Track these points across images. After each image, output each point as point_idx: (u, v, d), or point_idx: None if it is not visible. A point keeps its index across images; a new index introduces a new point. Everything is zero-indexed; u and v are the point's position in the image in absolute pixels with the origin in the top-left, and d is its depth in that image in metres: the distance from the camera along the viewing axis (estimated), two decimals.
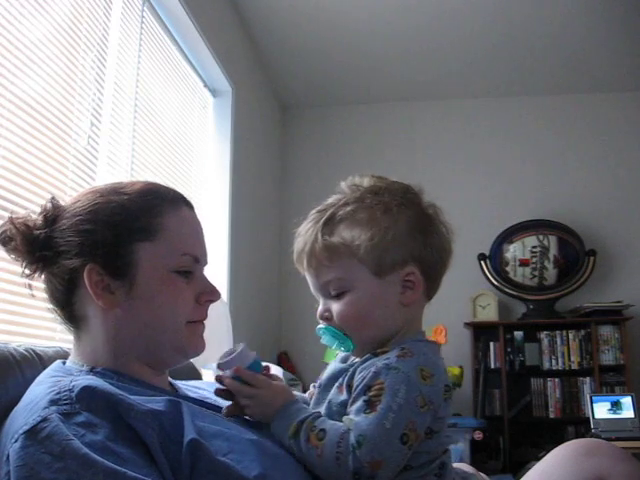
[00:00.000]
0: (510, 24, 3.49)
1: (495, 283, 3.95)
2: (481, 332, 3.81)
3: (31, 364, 0.89)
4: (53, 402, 0.69)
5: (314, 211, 0.90)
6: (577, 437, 3.14)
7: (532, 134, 4.27)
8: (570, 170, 4.18)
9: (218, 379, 0.86)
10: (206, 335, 0.90)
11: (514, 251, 3.93)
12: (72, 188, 1.86)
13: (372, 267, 0.84)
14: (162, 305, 0.83)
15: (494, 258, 3.96)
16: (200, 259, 0.88)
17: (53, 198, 0.87)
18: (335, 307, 0.86)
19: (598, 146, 4.19)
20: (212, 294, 0.89)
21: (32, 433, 0.66)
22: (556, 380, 3.77)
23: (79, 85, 1.93)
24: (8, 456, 0.66)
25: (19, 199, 1.60)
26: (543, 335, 3.83)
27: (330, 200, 0.90)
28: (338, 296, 0.85)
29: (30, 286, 0.87)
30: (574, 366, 3.76)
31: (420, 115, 4.39)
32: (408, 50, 3.76)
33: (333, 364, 0.90)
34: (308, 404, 0.89)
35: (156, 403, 0.73)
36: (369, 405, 0.76)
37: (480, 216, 4.03)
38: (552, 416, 3.72)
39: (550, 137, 4.25)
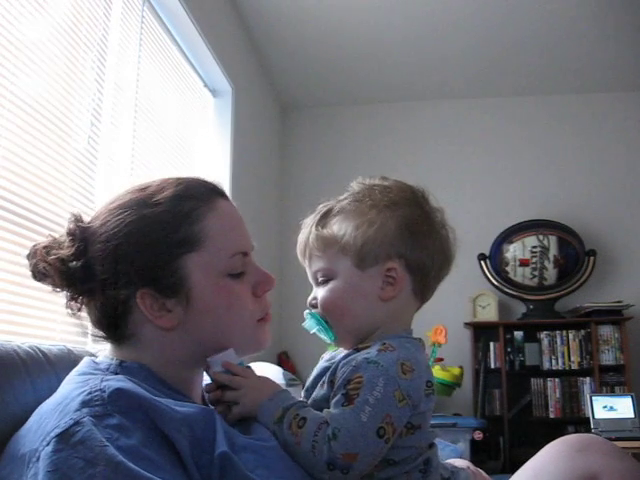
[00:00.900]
0: (510, 25, 3.49)
1: (495, 283, 3.95)
2: (481, 332, 3.82)
3: (36, 362, 0.88)
4: (85, 404, 0.67)
5: (320, 205, 0.95)
6: None
7: (532, 134, 4.27)
8: (570, 170, 4.18)
9: (209, 374, 0.85)
10: None
11: (514, 251, 3.93)
12: (72, 188, 1.86)
13: (354, 258, 0.87)
14: (222, 313, 0.80)
15: (494, 258, 3.96)
16: (248, 252, 0.85)
17: (77, 219, 0.81)
18: (319, 293, 0.90)
19: (598, 146, 4.19)
20: (267, 283, 0.87)
21: (64, 437, 0.64)
22: (556, 380, 3.77)
23: (79, 85, 1.93)
24: (39, 457, 0.64)
25: (19, 199, 1.61)
26: (543, 335, 3.83)
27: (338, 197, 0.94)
28: (324, 283, 0.89)
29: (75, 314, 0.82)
30: (574, 366, 3.76)
31: (420, 115, 4.39)
32: (408, 50, 3.76)
33: (318, 365, 0.91)
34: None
35: (189, 408, 0.72)
36: (347, 398, 0.77)
37: (480, 216, 4.03)
38: (552, 416, 3.72)
39: (550, 137, 4.25)
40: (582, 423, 3.54)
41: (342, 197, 0.93)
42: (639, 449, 2.69)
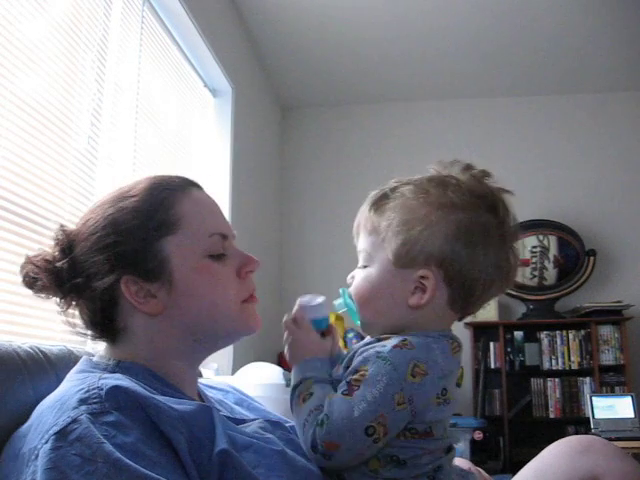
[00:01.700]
0: (511, 25, 3.49)
1: None
2: (481, 332, 3.82)
3: (36, 362, 0.88)
4: (82, 401, 0.67)
5: (392, 180, 0.89)
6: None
7: (532, 134, 4.27)
8: (570, 170, 4.18)
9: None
10: None
11: None
12: (72, 188, 1.86)
13: (392, 254, 0.83)
14: (205, 294, 0.81)
15: None
16: (227, 235, 0.86)
17: (62, 226, 0.85)
18: (356, 275, 0.89)
19: (598, 146, 4.19)
20: (250, 264, 0.87)
21: (62, 434, 0.64)
22: (556, 380, 3.77)
23: (79, 85, 1.93)
24: (37, 455, 0.64)
25: (19, 199, 1.61)
26: (543, 335, 3.83)
27: (410, 177, 0.89)
28: (363, 267, 0.88)
29: (68, 321, 0.84)
30: (574, 366, 3.77)
31: (420, 115, 4.39)
32: (408, 50, 3.76)
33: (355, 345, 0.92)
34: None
35: (187, 405, 0.72)
36: (348, 388, 0.77)
37: None
38: (552, 416, 3.73)
39: (550, 137, 4.25)
40: (582, 423, 3.54)
41: (410, 179, 0.86)
42: (639, 449, 2.69)
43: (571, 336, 3.80)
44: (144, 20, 2.44)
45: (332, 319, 0.95)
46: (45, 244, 0.87)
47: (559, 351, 3.80)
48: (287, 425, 0.92)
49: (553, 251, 3.90)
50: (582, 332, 3.80)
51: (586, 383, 3.72)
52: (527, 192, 4.16)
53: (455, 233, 0.80)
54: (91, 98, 1.98)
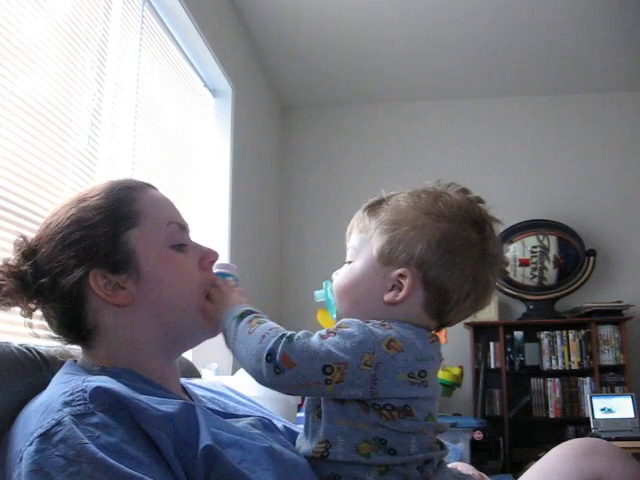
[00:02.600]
0: (511, 25, 3.49)
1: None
2: (481, 332, 3.81)
3: (33, 363, 0.88)
4: (66, 404, 0.68)
5: (389, 191, 0.94)
6: (577, 437, 3.14)
7: (532, 134, 4.27)
8: (570, 170, 4.18)
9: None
10: None
11: (514, 251, 3.93)
12: (72, 188, 1.86)
13: (376, 250, 0.86)
14: (172, 283, 0.84)
15: None
16: (185, 226, 0.90)
17: (20, 235, 0.87)
18: (340, 270, 0.92)
19: (598, 146, 4.19)
20: (210, 255, 0.91)
21: (46, 436, 0.65)
22: (556, 380, 3.77)
23: (79, 85, 1.93)
24: (22, 458, 0.65)
25: (19, 199, 1.61)
26: (543, 335, 3.83)
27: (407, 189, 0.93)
28: (349, 262, 0.91)
29: (31, 325, 0.86)
30: (574, 366, 3.76)
31: (420, 115, 4.39)
32: (408, 50, 3.76)
33: None
34: None
35: (170, 405, 0.72)
36: (326, 333, 0.78)
37: None
38: (552, 416, 3.73)
39: (550, 137, 4.25)
40: (582, 423, 3.54)
41: (406, 191, 0.91)
42: (639, 449, 2.69)
43: (571, 336, 3.80)
44: (144, 20, 2.44)
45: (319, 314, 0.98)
46: None
47: (559, 351, 3.80)
48: (279, 424, 0.92)
49: (553, 251, 3.90)
50: (582, 332, 3.79)
51: (586, 383, 3.72)
52: (527, 192, 4.17)
53: (438, 240, 0.83)
54: (91, 98, 1.98)
